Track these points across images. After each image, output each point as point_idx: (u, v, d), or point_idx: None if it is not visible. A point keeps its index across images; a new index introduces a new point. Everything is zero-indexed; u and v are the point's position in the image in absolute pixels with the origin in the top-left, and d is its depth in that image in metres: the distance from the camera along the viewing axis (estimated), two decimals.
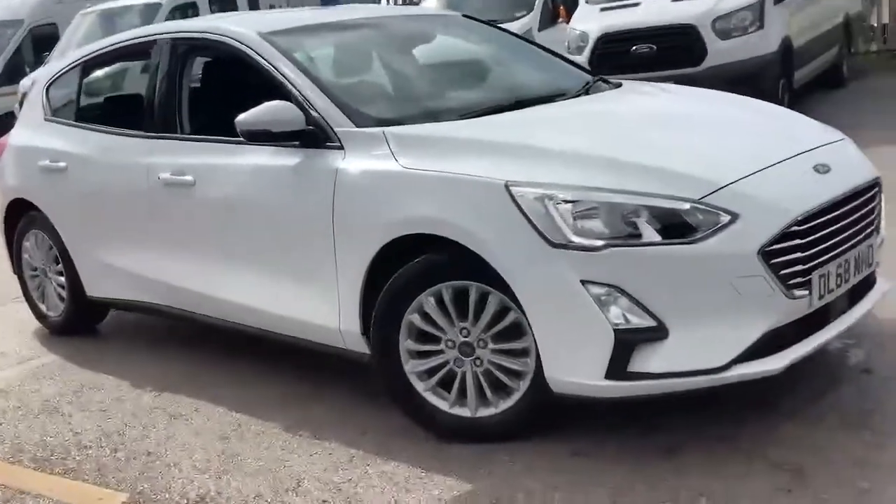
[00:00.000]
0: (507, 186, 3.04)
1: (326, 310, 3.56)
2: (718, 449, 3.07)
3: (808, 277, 3.01)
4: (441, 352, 3.30)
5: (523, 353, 3.18)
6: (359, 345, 3.54)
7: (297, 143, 3.59)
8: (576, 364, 2.99)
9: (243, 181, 3.83)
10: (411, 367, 3.35)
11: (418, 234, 3.22)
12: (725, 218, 2.90)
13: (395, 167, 3.32)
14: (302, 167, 3.58)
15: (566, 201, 2.97)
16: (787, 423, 3.21)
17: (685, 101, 4.27)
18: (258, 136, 3.59)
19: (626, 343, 2.91)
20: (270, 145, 3.65)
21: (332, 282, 3.51)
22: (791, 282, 2.96)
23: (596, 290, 2.91)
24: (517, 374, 3.22)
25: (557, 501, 2.88)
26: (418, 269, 3.26)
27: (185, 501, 3.17)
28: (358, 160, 3.43)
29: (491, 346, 3.22)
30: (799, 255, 2.98)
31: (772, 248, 2.91)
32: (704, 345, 2.92)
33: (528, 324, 3.04)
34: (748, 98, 4.27)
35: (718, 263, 2.90)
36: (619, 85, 4.28)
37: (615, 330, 2.90)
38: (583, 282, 2.92)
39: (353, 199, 3.39)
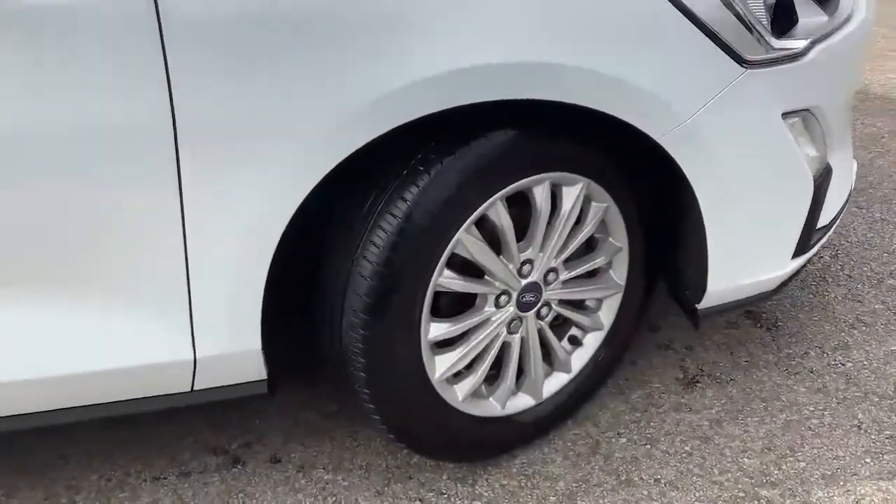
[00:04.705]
0: None
1: (158, 331, 1.50)
2: None
3: None
4: (486, 322, 1.70)
5: (598, 271, 1.84)
6: (240, 373, 1.63)
7: None
8: (764, 251, 1.82)
9: None
10: (441, 370, 1.67)
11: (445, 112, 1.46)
12: None
13: None
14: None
15: None
16: None
17: None
18: None
19: (820, 193, 1.85)
20: None
21: (174, 263, 1.45)
22: None
23: (791, 121, 1.73)
24: (592, 309, 1.88)
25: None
26: (450, 181, 1.52)
27: None
28: None
29: (563, 275, 1.77)
30: None
31: None
32: (844, 164, 2.04)
33: (695, 211, 1.69)
34: None
35: (864, 40, 1.97)
36: None
37: (813, 178, 1.81)
38: (784, 114, 1.70)
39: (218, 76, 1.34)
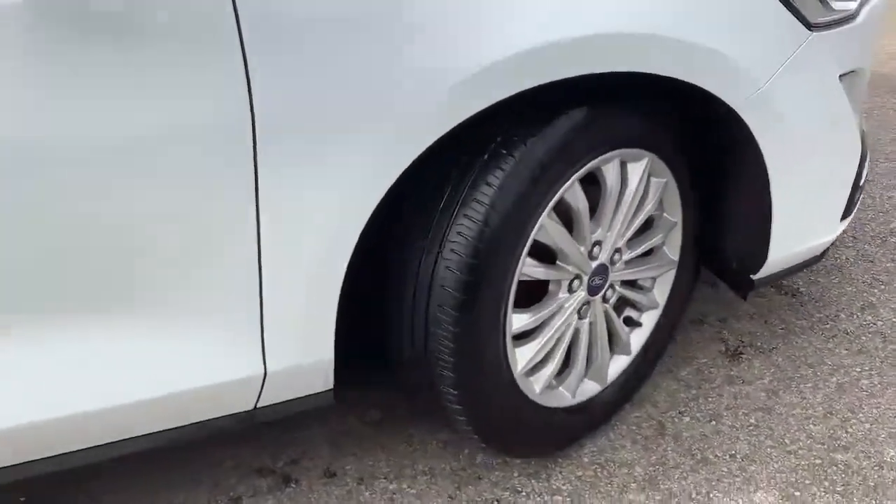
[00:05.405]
0: None
1: (227, 347, 1.37)
2: None
3: None
4: (561, 309, 1.63)
5: (653, 249, 1.80)
6: (308, 385, 1.51)
7: None
8: (821, 215, 1.81)
9: None
10: (523, 362, 1.60)
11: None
12: None
13: None
14: None
15: None
16: None
17: None
18: None
19: (864, 155, 1.85)
20: None
21: (247, 273, 1.32)
22: None
23: (844, 85, 1.73)
24: (647, 288, 1.84)
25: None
26: (535, 162, 1.44)
27: None
28: None
29: (626, 254, 1.71)
30: None
31: None
32: (862, 123, 2.05)
33: (763, 179, 1.66)
34: None
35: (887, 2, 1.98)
36: None
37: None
38: (841, 77, 1.69)
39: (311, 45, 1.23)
